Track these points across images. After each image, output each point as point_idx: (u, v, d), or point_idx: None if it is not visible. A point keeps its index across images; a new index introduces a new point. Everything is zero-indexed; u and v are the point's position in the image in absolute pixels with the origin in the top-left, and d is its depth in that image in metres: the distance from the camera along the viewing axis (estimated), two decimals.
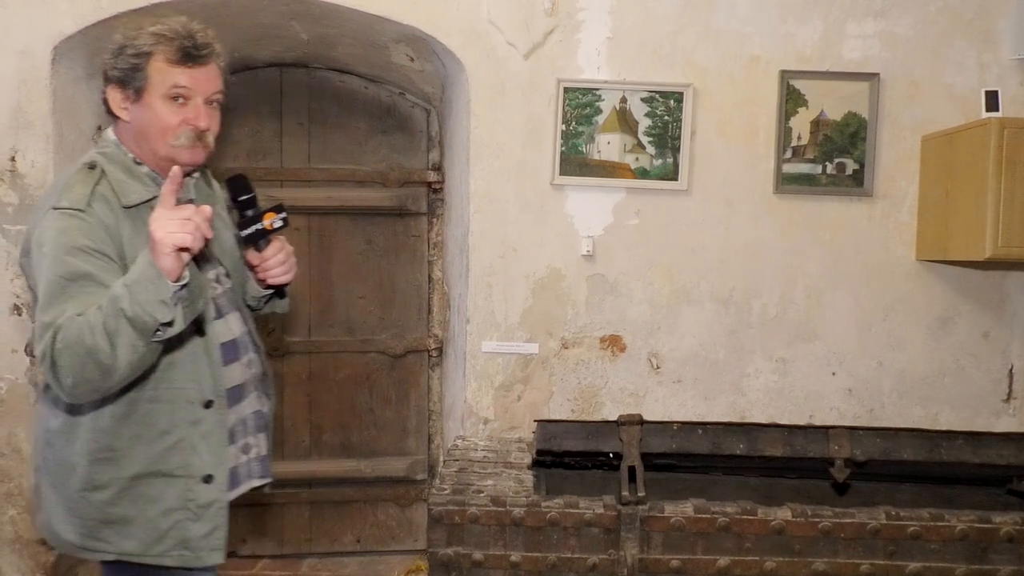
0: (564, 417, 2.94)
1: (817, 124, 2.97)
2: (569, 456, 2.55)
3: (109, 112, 1.63)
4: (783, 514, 2.19)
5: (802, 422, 2.90)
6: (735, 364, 3.02)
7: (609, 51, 2.92)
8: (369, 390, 3.52)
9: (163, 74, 1.56)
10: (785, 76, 2.95)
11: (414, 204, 3.48)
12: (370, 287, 3.51)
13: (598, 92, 2.93)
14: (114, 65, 1.58)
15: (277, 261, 1.73)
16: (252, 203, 1.69)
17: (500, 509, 2.21)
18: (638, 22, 2.92)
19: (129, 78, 1.57)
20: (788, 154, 2.98)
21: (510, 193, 2.96)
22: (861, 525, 2.16)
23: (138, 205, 1.57)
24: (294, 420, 3.49)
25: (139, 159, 1.63)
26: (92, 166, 1.57)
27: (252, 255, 1.75)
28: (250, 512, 3.46)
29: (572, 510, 2.21)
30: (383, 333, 3.52)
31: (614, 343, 3.01)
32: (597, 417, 2.94)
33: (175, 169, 1.45)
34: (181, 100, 1.58)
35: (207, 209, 1.41)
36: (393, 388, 3.54)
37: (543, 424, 2.62)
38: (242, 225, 1.71)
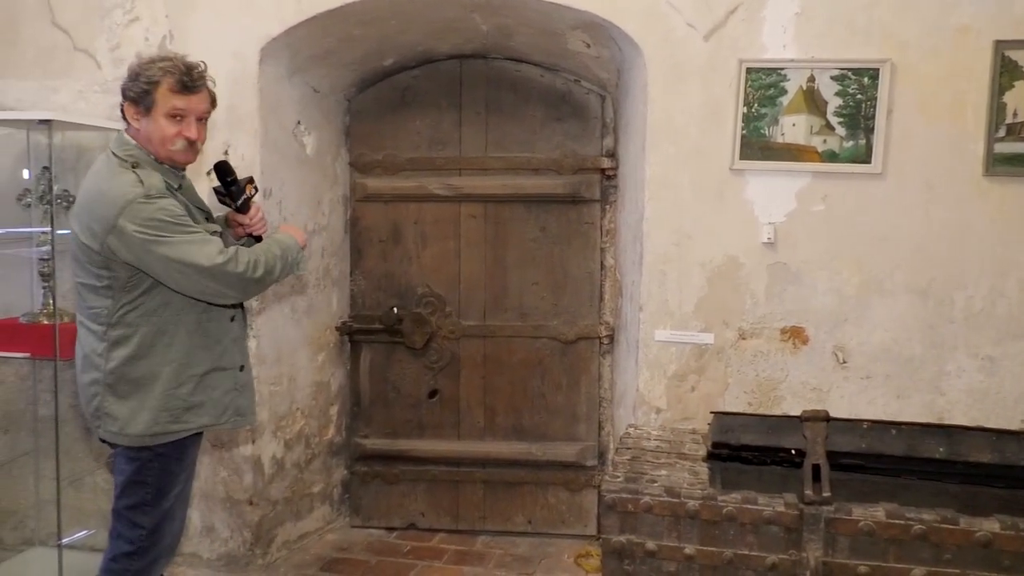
0: (740, 410, 2.84)
1: None
2: (747, 450, 2.47)
3: (125, 119, 2.15)
4: (990, 525, 2.01)
5: (1013, 427, 2.63)
6: (933, 361, 2.79)
7: (797, 28, 2.77)
8: (541, 375, 3.58)
9: (166, 98, 2.08)
10: (1000, 47, 2.68)
11: (587, 191, 3.49)
12: (543, 273, 3.56)
13: (783, 72, 2.79)
14: (130, 87, 2.10)
15: (259, 218, 2.36)
16: (236, 180, 2.29)
17: (675, 500, 2.18)
18: None
19: (141, 98, 2.08)
20: (1001, 132, 2.70)
21: (686, 179, 2.89)
22: None
23: (176, 189, 2.15)
24: (469, 401, 3.62)
25: (158, 159, 2.13)
26: (136, 165, 2.08)
27: (241, 217, 2.34)
28: (428, 488, 3.64)
29: (750, 506, 2.14)
30: (555, 319, 3.56)
31: (796, 335, 2.87)
32: (776, 412, 2.82)
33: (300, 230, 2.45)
34: (178, 118, 2.10)
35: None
36: (564, 374, 3.57)
37: (720, 416, 2.56)
38: (234, 196, 2.30)
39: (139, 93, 2.07)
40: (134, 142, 2.13)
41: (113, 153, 2.11)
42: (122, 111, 2.14)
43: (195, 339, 2.17)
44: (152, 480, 2.17)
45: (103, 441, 2.21)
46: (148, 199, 2.01)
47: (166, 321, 2.12)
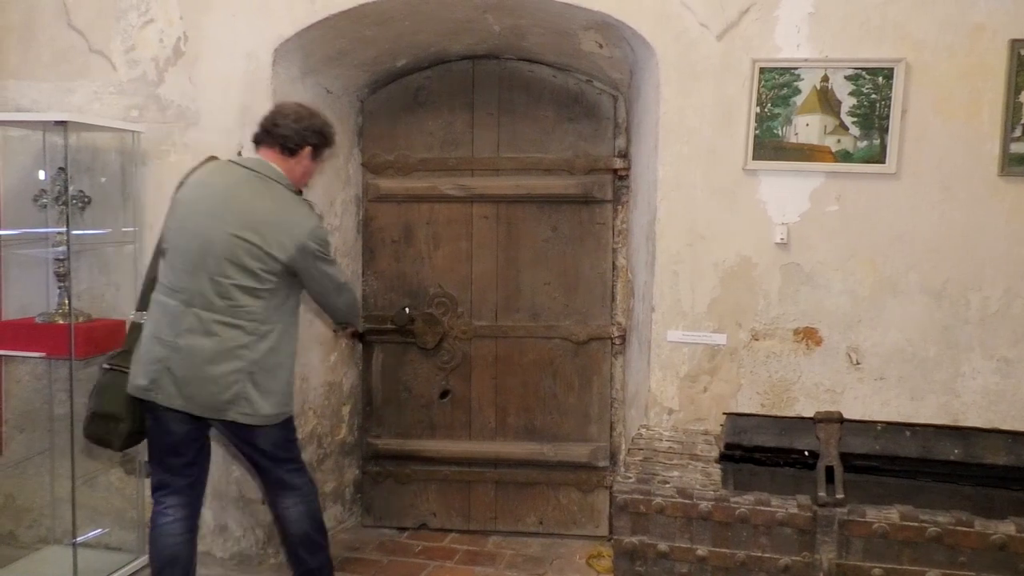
0: (753, 411, 2.83)
1: None
2: (760, 452, 2.47)
3: (291, 155, 2.53)
4: (1006, 528, 1.99)
5: None
6: (948, 362, 2.77)
7: (810, 27, 2.76)
8: (553, 375, 3.58)
9: (326, 152, 2.66)
10: (1016, 46, 2.66)
11: (599, 191, 3.49)
12: (555, 274, 3.56)
13: (797, 71, 2.78)
14: (319, 139, 2.58)
15: None
16: None
17: (687, 501, 2.17)
18: None
19: (319, 149, 2.61)
20: (1017, 132, 2.68)
21: (699, 179, 2.88)
22: None
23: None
24: (481, 402, 3.62)
25: (296, 188, 2.59)
26: (300, 196, 2.57)
27: None
28: (440, 488, 3.64)
29: (763, 508, 2.13)
30: (567, 320, 3.56)
31: (809, 336, 2.86)
32: (789, 413, 2.81)
33: None
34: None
35: None
36: (576, 374, 3.57)
37: (733, 417, 2.55)
38: None
39: (321, 145, 2.60)
40: (283, 173, 2.54)
41: (277, 181, 2.50)
42: (293, 150, 2.53)
43: (296, 337, 2.60)
44: (294, 436, 2.67)
45: (227, 424, 2.46)
46: (321, 226, 2.55)
47: (290, 321, 2.54)
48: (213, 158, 2.62)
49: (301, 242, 2.44)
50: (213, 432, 2.61)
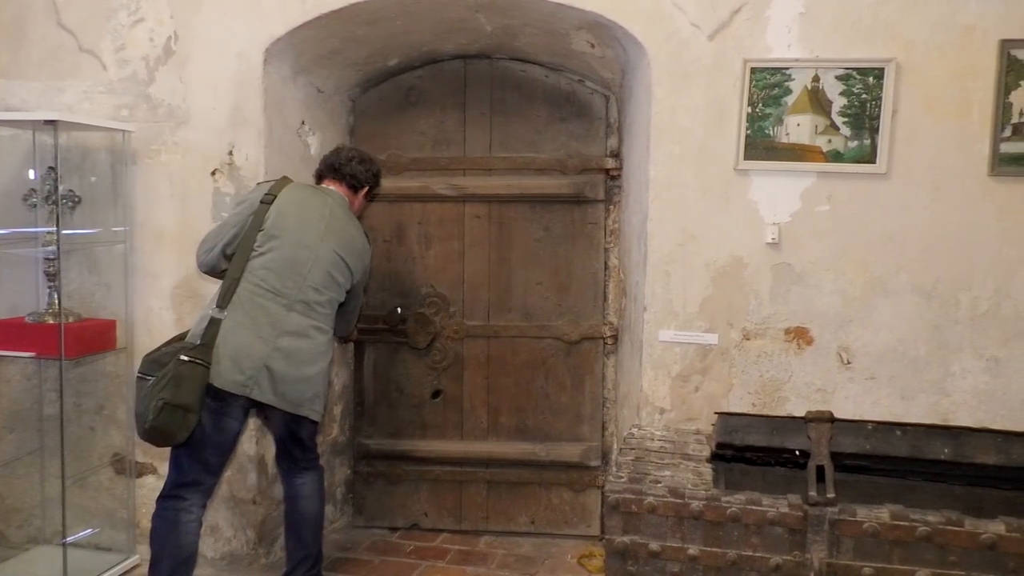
0: (744, 411, 2.83)
1: None
2: (751, 451, 2.47)
3: (354, 192, 2.90)
4: (995, 528, 2.00)
5: (1019, 428, 2.61)
6: (938, 362, 2.78)
7: (801, 27, 2.77)
8: (545, 375, 3.58)
9: (372, 193, 3.01)
10: (1005, 46, 2.67)
11: (591, 191, 3.49)
12: (547, 274, 3.56)
13: (788, 71, 2.78)
14: (374, 182, 2.95)
15: None
16: None
17: (678, 501, 2.17)
18: None
19: (372, 190, 2.98)
20: (1007, 132, 2.69)
21: (691, 179, 2.89)
22: None
23: None
24: (473, 402, 3.62)
25: None
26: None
27: None
28: (432, 488, 3.64)
29: (754, 507, 2.13)
30: (559, 319, 3.56)
31: (800, 336, 2.87)
32: (780, 412, 2.81)
33: None
34: None
35: None
36: (568, 374, 3.57)
37: (724, 417, 2.55)
38: None
39: (374, 187, 2.97)
40: (349, 203, 2.87)
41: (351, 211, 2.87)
42: (355, 187, 2.89)
43: None
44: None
45: (291, 416, 2.65)
46: None
47: None
48: (287, 179, 2.77)
49: (366, 266, 2.87)
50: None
